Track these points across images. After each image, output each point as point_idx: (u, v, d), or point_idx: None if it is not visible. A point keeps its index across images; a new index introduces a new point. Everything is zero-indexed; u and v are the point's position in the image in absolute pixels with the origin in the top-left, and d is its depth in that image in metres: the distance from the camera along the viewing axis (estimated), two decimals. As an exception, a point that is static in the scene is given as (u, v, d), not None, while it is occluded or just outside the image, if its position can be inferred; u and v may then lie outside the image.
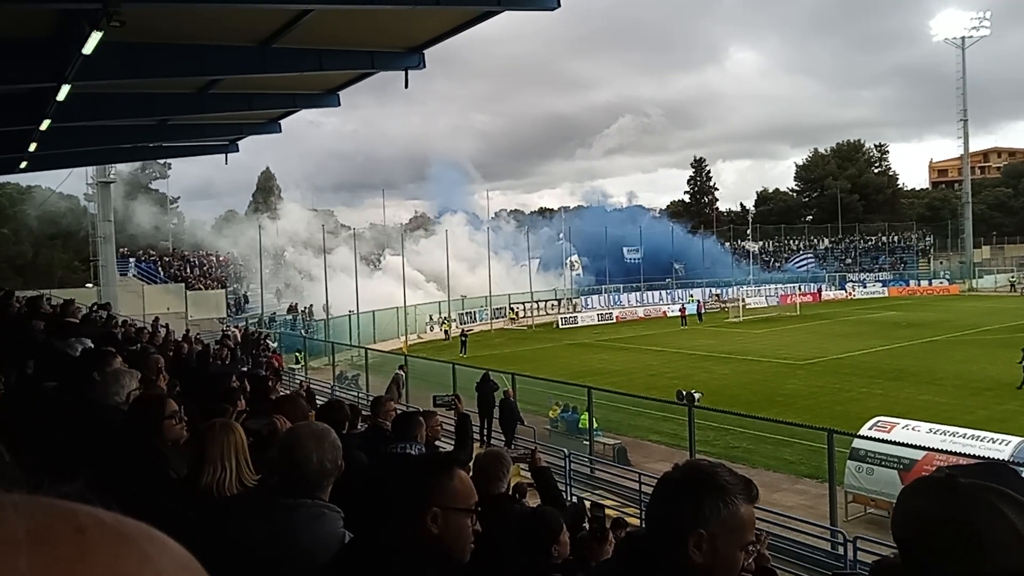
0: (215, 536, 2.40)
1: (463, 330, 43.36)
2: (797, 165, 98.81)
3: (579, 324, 51.67)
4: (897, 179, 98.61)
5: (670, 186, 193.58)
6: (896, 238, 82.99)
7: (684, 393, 15.25)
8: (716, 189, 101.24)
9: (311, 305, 46.37)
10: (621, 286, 60.76)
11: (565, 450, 16.12)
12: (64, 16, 9.07)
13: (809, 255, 79.30)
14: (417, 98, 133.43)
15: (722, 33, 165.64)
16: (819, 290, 65.64)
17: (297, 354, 32.90)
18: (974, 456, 12.17)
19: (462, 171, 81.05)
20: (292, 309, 46.31)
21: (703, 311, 52.94)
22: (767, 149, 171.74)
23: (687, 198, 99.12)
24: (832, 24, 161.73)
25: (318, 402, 7.58)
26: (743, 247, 74.00)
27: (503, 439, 18.20)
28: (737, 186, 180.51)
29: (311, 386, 17.70)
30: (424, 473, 2.21)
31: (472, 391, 19.11)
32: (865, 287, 68.39)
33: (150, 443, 3.48)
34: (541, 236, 65.56)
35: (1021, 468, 9.01)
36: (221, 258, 54.41)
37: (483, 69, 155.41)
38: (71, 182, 60.49)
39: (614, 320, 53.36)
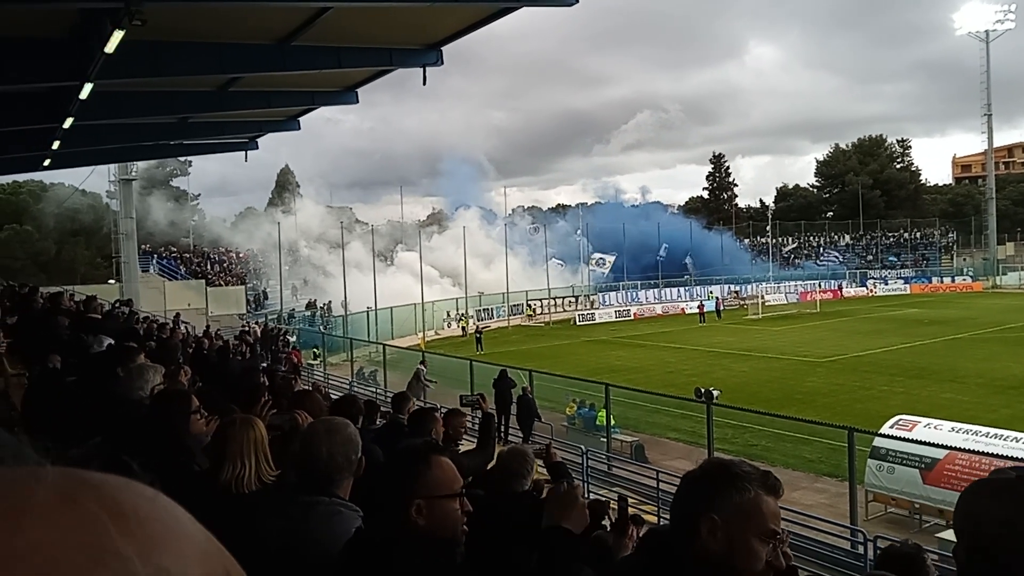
0: (233, 532, 2.41)
1: (478, 327, 43.40)
2: (818, 161, 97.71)
3: (597, 321, 51.41)
4: (920, 174, 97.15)
5: (688, 182, 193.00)
6: (918, 234, 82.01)
7: (702, 390, 15.12)
8: (735, 185, 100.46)
9: (330, 301, 46.64)
10: (639, 283, 60.52)
11: (582, 447, 16.09)
12: (86, 15, 9.16)
13: (834, 253, 78.56)
14: (434, 95, 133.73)
15: (741, 28, 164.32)
16: (840, 287, 65.11)
17: (315, 350, 33.09)
18: (997, 456, 12.02)
19: (478, 167, 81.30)
20: (311, 305, 46.67)
21: (722, 308, 52.66)
22: (787, 145, 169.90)
23: (706, 194, 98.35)
24: (853, 18, 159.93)
25: (332, 397, 7.61)
26: (762, 243, 73.45)
27: (520, 436, 18.23)
28: (756, 182, 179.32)
29: (320, 382, 17.83)
30: (403, 466, 2.19)
31: (490, 388, 19.13)
32: (887, 284, 67.67)
33: (176, 437, 3.50)
34: (558, 232, 65.42)
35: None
36: (240, 255, 54.90)
37: (500, 66, 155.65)
38: (93, 180, 61.41)
39: (632, 317, 53.15)
